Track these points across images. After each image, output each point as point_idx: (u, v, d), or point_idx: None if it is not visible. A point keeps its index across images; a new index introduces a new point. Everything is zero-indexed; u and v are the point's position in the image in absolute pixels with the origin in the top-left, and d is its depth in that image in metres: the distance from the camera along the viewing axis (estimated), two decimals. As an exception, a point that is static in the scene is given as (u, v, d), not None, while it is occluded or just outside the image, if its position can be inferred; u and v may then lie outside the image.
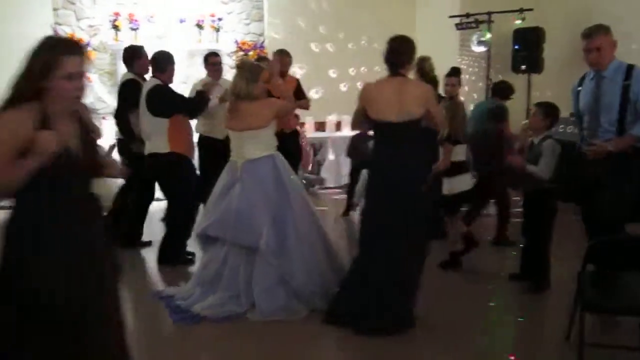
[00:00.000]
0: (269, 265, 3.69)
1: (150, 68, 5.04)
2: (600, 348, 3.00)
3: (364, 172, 4.29)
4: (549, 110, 4.11)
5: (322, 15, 9.33)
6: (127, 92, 5.10)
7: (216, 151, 5.58)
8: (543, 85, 8.66)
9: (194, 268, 4.61)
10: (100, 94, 8.08)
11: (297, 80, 6.29)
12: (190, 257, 4.93)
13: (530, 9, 8.15)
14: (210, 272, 3.88)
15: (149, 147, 4.79)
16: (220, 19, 8.65)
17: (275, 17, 9.14)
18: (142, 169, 4.87)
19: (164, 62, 4.80)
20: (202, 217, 4.13)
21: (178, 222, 4.86)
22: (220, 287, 3.78)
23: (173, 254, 4.83)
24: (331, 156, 8.42)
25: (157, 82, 4.76)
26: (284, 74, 5.72)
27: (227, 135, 5.63)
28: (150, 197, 5.43)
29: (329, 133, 8.85)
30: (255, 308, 3.69)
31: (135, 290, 4.22)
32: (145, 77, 5.19)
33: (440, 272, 4.60)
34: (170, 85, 4.89)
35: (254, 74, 3.85)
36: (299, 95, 5.91)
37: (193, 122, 6.13)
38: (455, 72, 5.51)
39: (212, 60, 5.83)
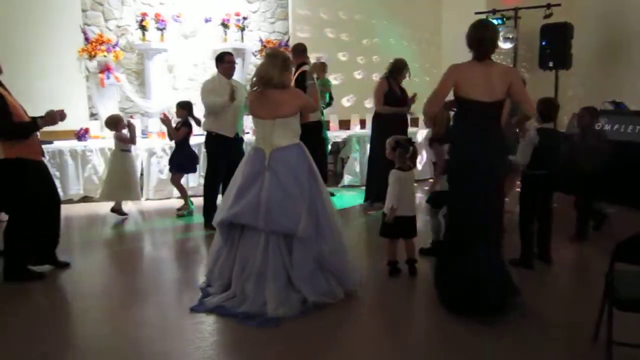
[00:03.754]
0: (308, 251, 3.72)
1: None
2: (629, 347, 2.94)
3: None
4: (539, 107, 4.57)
5: (346, 15, 9.33)
6: None
7: (226, 148, 5.71)
8: (571, 81, 8.52)
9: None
10: (128, 94, 8.20)
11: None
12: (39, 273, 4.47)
13: (558, 4, 8.03)
14: (255, 267, 3.72)
15: None
16: (245, 18, 8.71)
17: (299, 14, 9.17)
18: None
19: None
20: (223, 205, 4.03)
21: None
22: (270, 279, 3.67)
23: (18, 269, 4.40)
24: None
25: None
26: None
27: (237, 133, 5.82)
28: None
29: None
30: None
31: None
32: None
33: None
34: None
35: (286, 63, 3.90)
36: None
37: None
38: None
39: (228, 59, 5.83)
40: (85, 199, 7.27)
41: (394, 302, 3.97)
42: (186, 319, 3.64)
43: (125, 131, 6.44)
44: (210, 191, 5.88)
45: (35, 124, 4.45)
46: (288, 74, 3.97)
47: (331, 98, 7.64)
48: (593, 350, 3.14)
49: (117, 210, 6.47)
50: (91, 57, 7.96)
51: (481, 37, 3.66)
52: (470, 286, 3.57)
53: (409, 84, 6.89)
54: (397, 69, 6.63)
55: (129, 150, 6.50)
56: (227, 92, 5.53)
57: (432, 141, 4.91)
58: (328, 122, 8.47)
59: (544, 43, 8.41)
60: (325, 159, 7.39)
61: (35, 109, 4.95)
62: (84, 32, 8.01)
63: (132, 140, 6.44)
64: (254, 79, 3.94)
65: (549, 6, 8.10)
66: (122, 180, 6.38)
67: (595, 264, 4.57)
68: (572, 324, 3.54)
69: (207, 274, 4.14)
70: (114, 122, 6.45)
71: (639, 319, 2.88)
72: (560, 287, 4.37)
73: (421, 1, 9.71)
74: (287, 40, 9.04)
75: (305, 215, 3.70)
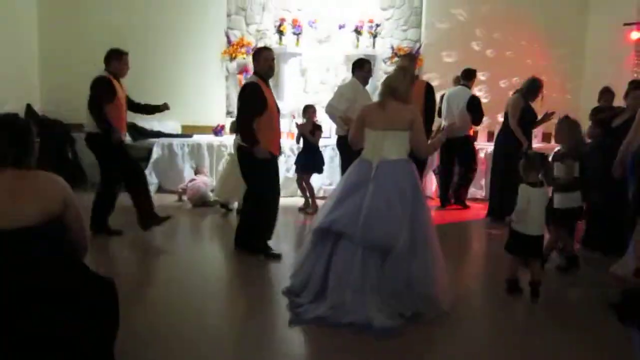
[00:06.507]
0: (399, 269, 3.59)
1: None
2: None
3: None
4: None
5: (483, 20, 9.08)
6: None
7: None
8: None
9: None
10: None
11: (427, 84, 6.31)
12: None
13: None
14: (354, 279, 3.59)
15: None
16: (378, 25, 8.81)
17: (433, 22, 9.07)
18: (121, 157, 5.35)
19: None
20: (320, 213, 3.96)
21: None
22: (370, 292, 3.56)
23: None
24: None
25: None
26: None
27: None
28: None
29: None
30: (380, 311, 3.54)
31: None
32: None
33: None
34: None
35: (413, 78, 3.92)
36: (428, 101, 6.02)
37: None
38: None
39: (367, 67, 5.96)
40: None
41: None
42: (286, 332, 3.51)
43: None
44: None
45: (112, 132, 5.22)
46: (412, 89, 3.93)
47: None
48: None
49: (225, 205, 6.80)
50: (232, 58, 8.51)
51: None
52: None
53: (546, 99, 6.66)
54: (535, 89, 6.40)
55: None
56: (361, 98, 5.62)
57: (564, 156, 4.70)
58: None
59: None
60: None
61: (178, 105, 5.48)
62: (227, 35, 8.58)
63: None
64: (381, 88, 3.94)
65: None
66: (236, 180, 6.68)
67: None
68: None
69: (292, 281, 4.01)
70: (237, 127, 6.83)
71: None
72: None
73: (565, 13, 9.15)
74: (419, 48, 9.01)
75: (405, 232, 3.58)
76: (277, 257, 4.91)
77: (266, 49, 5.05)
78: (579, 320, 3.85)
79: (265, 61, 4.87)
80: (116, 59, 5.38)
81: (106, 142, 5.22)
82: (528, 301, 4.12)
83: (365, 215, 3.60)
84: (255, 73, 4.94)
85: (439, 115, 7.40)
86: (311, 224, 4.00)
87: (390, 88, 3.85)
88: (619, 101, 6.01)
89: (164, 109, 5.83)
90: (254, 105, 4.72)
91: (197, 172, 7.64)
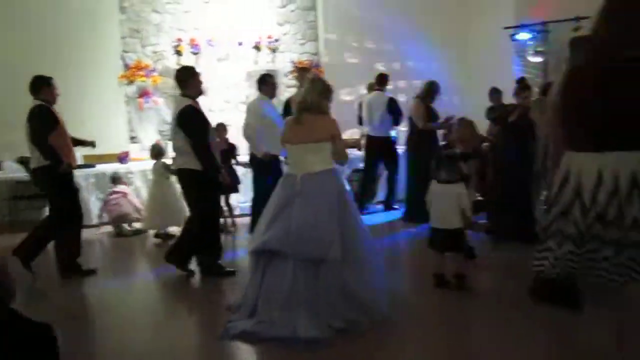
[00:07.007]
0: (333, 278, 3.65)
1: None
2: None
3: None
4: None
5: (371, 30, 9.46)
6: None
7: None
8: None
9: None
10: (167, 117, 8.48)
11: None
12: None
13: (586, 17, 8.03)
14: (282, 294, 3.66)
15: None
16: (276, 40, 8.95)
17: (329, 35, 9.35)
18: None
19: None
20: (256, 233, 4.02)
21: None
22: (298, 305, 3.60)
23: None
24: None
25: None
26: None
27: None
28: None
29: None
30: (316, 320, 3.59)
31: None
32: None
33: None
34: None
35: (326, 90, 3.97)
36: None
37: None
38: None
39: (271, 81, 6.07)
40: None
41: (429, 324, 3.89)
42: (214, 344, 3.60)
43: None
44: None
45: (59, 163, 5.03)
46: (327, 101, 3.97)
47: None
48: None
49: (163, 234, 6.64)
50: (130, 82, 8.28)
51: None
52: None
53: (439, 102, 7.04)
54: (433, 92, 6.75)
55: (168, 178, 6.69)
56: (270, 112, 5.77)
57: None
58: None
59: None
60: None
61: (77, 134, 5.30)
62: (123, 59, 8.35)
63: (171, 171, 6.59)
64: (296, 105, 4.00)
65: (578, 19, 8.11)
66: (164, 206, 6.57)
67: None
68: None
69: (235, 299, 4.13)
70: (158, 152, 6.71)
71: None
72: None
73: (449, 18, 9.74)
74: (318, 61, 9.24)
75: (337, 241, 3.66)
76: (233, 273, 4.99)
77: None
78: (508, 310, 3.98)
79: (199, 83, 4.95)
80: (46, 85, 5.09)
81: (56, 174, 5.01)
82: (459, 296, 4.25)
83: (295, 230, 3.67)
84: (186, 95, 4.86)
85: (360, 122, 7.62)
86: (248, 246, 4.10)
87: (302, 103, 3.93)
88: (507, 99, 6.51)
89: (89, 145, 5.60)
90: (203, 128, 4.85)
91: (115, 180, 7.19)
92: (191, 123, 4.76)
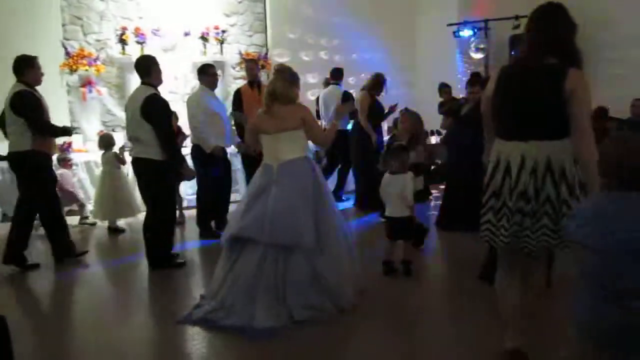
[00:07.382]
0: (304, 264, 3.68)
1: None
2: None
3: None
4: None
5: (319, 25, 9.55)
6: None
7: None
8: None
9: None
10: (110, 107, 8.29)
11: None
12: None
13: (525, 16, 8.36)
14: (247, 279, 3.71)
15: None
16: (224, 31, 8.88)
17: (275, 28, 9.36)
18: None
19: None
20: (232, 220, 4.05)
21: None
22: (261, 292, 3.64)
23: None
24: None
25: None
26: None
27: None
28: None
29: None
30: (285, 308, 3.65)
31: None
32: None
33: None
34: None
35: (294, 78, 4.00)
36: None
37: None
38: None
39: (211, 71, 5.96)
40: (69, 212, 7.28)
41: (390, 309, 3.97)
42: (175, 331, 3.62)
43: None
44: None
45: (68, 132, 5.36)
46: (295, 89, 4.01)
47: None
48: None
49: (113, 228, 6.51)
50: (72, 71, 8.03)
51: None
52: None
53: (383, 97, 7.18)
54: (379, 84, 6.88)
55: (119, 168, 6.56)
56: (211, 104, 5.72)
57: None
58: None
59: (512, 53, 8.75)
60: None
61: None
62: (64, 47, 8.08)
63: (122, 161, 6.51)
64: (265, 97, 3.99)
65: (517, 17, 8.44)
66: (116, 197, 6.44)
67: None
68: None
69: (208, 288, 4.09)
70: (108, 142, 6.55)
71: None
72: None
73: (395, 14, 9.94)
74: (266, 53, 9.23)
75: (310, 228, 3.73)
76: (183, 264, 5.00)
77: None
78: (455, 293, 4.21)
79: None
80: (30, 66, 4.90)
81: (35, 162, 4.87)
82: (416, 283, 4.40)
83: (270, 217, 3.71)
84: (148, 84, 4.80)
85: (318, 117, 7.67)
86: (223, 233, 4.07)
87: (270, 94, 3.94)
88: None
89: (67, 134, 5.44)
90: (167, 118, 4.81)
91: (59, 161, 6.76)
92: (157, 112, 4.71)
